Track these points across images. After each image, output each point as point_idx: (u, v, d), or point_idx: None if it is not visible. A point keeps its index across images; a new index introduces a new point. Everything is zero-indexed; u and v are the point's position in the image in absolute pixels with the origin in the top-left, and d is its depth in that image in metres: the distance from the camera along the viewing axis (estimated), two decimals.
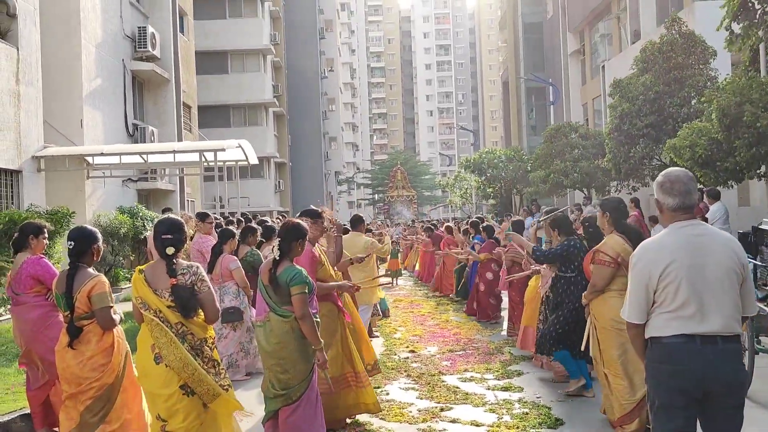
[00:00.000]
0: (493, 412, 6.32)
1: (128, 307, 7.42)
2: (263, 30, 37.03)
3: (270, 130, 38.53)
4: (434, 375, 7.82)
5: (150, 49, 20.22)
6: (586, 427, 5.89)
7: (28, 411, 5.94)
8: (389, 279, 17.65)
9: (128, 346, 4.83)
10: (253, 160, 18.73)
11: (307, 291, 4.84)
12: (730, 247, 3.41)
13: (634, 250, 5.24)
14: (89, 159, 16.58)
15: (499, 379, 7.58)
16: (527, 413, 6.20)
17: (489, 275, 11.78)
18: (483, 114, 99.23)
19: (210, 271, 7.68)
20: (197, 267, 4.42)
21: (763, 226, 9.42)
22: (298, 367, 4.90)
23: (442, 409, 6.44)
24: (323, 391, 5.26)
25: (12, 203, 13.45)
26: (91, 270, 4.71)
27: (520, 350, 8.96)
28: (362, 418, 6.17)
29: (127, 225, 16.01)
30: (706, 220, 11.31)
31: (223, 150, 16.76)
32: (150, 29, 20.41)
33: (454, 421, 6.08)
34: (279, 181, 40.46)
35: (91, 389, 4.52)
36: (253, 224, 10.40)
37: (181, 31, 24.12)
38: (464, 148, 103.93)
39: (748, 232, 9.61)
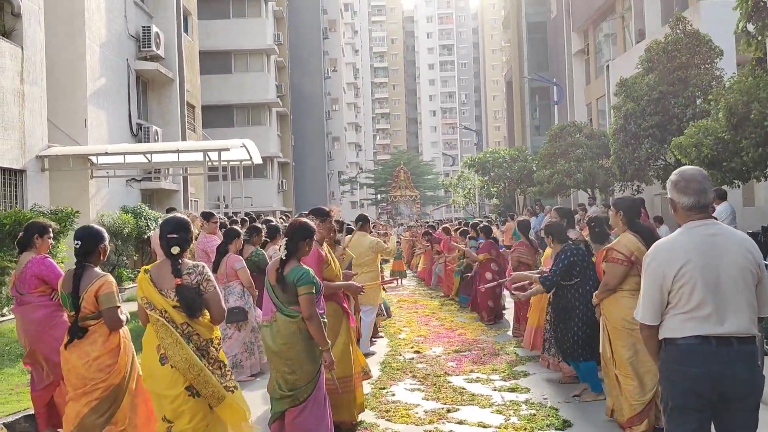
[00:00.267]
0: (500, 413, 6.27)
1: (131, 307, 7.41)
2: (267, 30, 37.00)
3: (273, 130, 38.51)
4: (440, 376, 7.78)
5: (154, 48, 20.20)
6: (594, 429, 5.84)
7: (32, 412, 5.92)
8: (394, 279, 17.62)
9: (133, 346, 4.79)
10: (257, 160, 18.69)
11: (314, 291, 4.79)
12: (745, 246, 3.35)
13: (647, 249, 5.24)
14: (93, 159, 16.55)
15: (505, 380, 7.53)
16: (535, 414, 6.15)
17: (488, 275, 11.70)
18: (486, 114, 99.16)
19: (215, 270, 7.64)
20: (203, 267, 4.37)
21: None
22: (305, 368, 4.85)
23: (448, 411, 6.39)
24: (330, 392, 5.21)
25: (16, 203, 13.42)
26: (98, 270, 4.67)
27: (526, 351, 8.93)
28: (369, 419, 6.14)
29: (130, 225, 15.98)
30: None
31: (227, 150, 16.73)
32: (154, 29, 20.39)
33: (461, 423, 6.03)
34: (282, 181, 40.44)
35: (97, 390, 4.48)
36: (258, 224, 10.37)
37: (185, 30, 24.10)
38: (467, 148, 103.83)
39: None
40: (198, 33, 27.73)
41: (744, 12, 12.50)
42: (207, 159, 17.09)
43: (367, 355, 8.63)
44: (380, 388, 7.28)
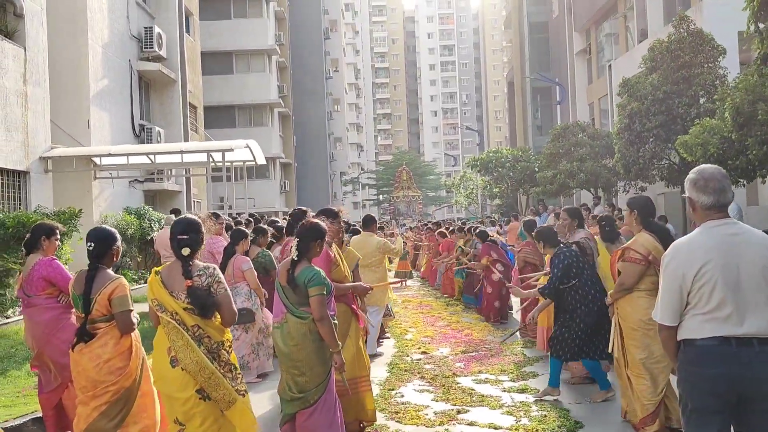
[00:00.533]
0: (511, 414, 6.23)
1: (137, 308, 7.36)
2: (268, 30, 36.98)
3: (275, 131, 38.48)
4: (448, 377, 7.73)
5: (156, 49, 20.17)
6: (606, 430, 5.79)
7: (40, 414, 5.87)
8: (401, 280, 17.58)
9: (143, 348, 4.75)
10: (261, 161, 18.67)
11: (325, 292, 4.75)
12: (765, 246, 3.29)
13: (664, 249, 5.19)
14: (96, 160, 16.52)
15: (514, 381, 7.49)
16: (546, 416, 6.10)
17: (494, 276, 11.72)
18: (487, 114, 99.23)
19: (222, 271, 7.58)
20: (213, 268, 4.32)
21: None
22: (316, 370, 4.81)
23: (458, 412, 6.35)
24: (340, 394, 5.17)
25: (19, 204, 13.40)
26: (110, 272, 4.63)
27: (534, 351, 8.89)
28: (379, 421, 6.09)
29: (134, 226, 15.96)
30: None
31: (231, 150, 16.70)
32: (156, 29, 20.36)
33: (471, 424, 5.99)
34: (284, 182, 40.41)
35: (107, 393, 4.43)
36: (263, 225, 10.33)
37: (187, 31, 24.07)
38: (468, 149, 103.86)
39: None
40: (199, 33, 27.70)
41: (752, 11, 12.47)
42: (211, 160, 17.06)
43: (374, 356, 8.61)
44: (389, 390, 7.24)
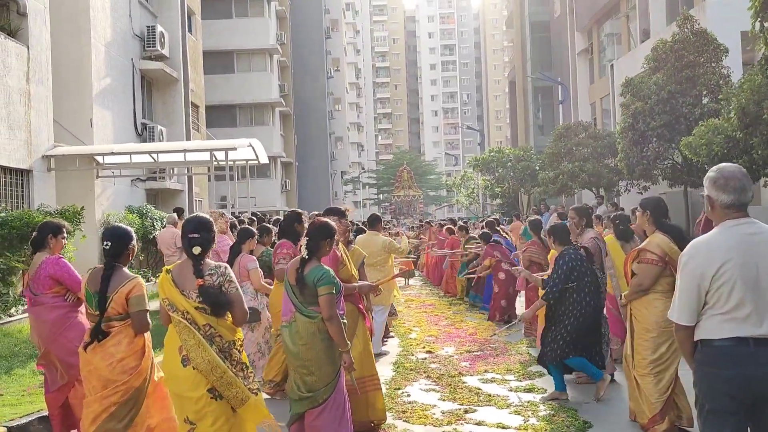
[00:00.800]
0: (519, 414, 6.21)
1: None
2: (269, 29, 36.94)
3: (276, 130, 38.44)
4: (454, 376, 7.72)
5: (159, 48, 20.13)
6: (614, 430, 5.77)
7: (45, 413, 5.84)
8: (405, 271, 17.56)
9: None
10: (264, 160, 18.62)
11: (334, 292, 4.73)
12: None
13: (679, 249, 5.17)
14: (99, 158, 16.49)
15: (520, 380, 7.47)
16: (554, 415, 6.08)
17: (501, 275, 11.74)
18: (487, 114, 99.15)
19: None
20: (225, 267, 4.28)
21: None
22: (324, 369, 4.78)
23: (466, 411, 6.33)
24: (349, 394, 5.14)
25: (22, 203, 13.36)
26: (127, 271, 4.61)
27: (538, 351, 8.86)
28: (387, 420, 6.06)
29: (136, 225, 15.92)
30: None
31: (234, 149, 16.66)
32: (159, 28, 20.32)
33: (479, 424, 5.97)
34: (285, 181, 40.37)
35: (117, 393, 4.39)
36: (267, 224, 10.30)
37: (189, 30, 24.01)
38: (469, 148, 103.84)
39: None
40: (201, 33, 27.67)
41: (755, 12, 12.44)
42: (213, 159, 17.03)
43: (379, 355, 8.58)
44: (395, 389, 7.23)
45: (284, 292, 5.01)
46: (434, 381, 7.55)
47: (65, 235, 5.86)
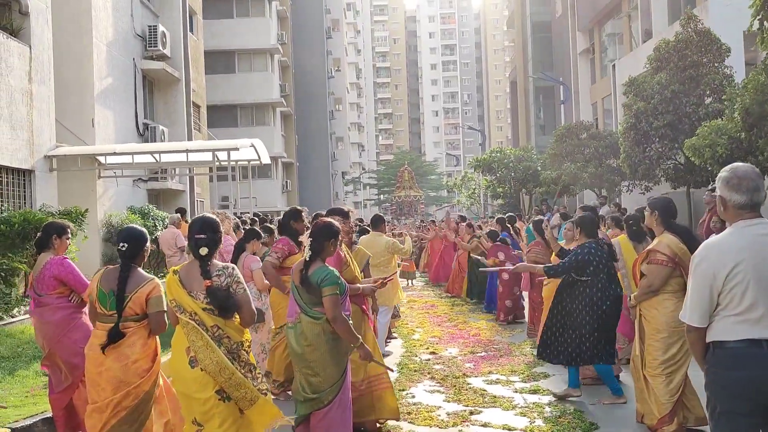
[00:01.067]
0: (524, 415, 6.19)
1: None
2: (270, 30, 36.92)
3: (277, 130, 38.41)
4: (458, 377, 7.70)
5: (161, 48, 20.11)
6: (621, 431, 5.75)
7: (49, 415, 5.82)
8: (406, 279, 17.54)
9: None
10: (266, 160, 18.60)
11: (339, 292, 4.70)
12: None
13: (689, 249, 5.14)
14: (101, 158, 16.47)
15: (525, 382, 7.45)
16: (560, 417, 6.06)
17: (505, 276, 11.69)
18: (488, 114, 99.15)
19: None
20: (232, 268, 4.26)
21: None
22: (329, 371, 4.76)
23: (471, 413, 6.31)
24: (358, 395, 5.11)
25: (24, 203, 13.34)
26: (143, 272, 4.60)
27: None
28: (392, 422, 6.04)
29: (138, 225, 15.89)
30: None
31: (236, 149, 16.64)
32: (160, 28, 20.30)
33: (485, 425, 5.95)
34: (286, 181, 40.36)
35: (129, 396, 4.37)
36: (270, 224, 10.28)
37: (191, 30, 24.01)
38: (470, 148, 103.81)
39: None
40: (203, 33, 27.65)
41: (756, 10, 12.42)
42: (215, 159, 17.01)
43: (382, 356, 8.55)
44: (400, 390, 7.20)
45: (290, 292, 4.99)
46: (438, 382, 7.53)
47: (69, 235, 5.84)
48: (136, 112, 19.46)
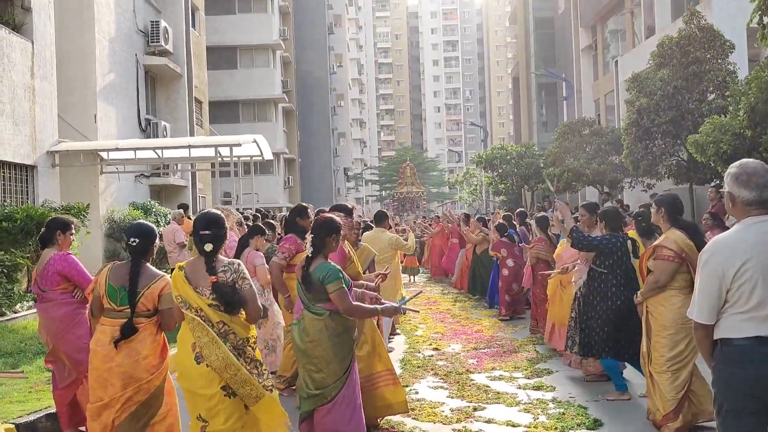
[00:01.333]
0: (528, 412, 6.18)
1: None
2: (272, 25, 36.86)
3: (279, 126, 38.38)
4: (462, 373, 7.69)
5: (163, 43, 20.09)
6: (626, 428, 5.73)
7: (53, 410, 5.82)
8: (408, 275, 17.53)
9: None
10: (268, 156, 18.60)
11: (344, 285, 4.68)
12: None
13: (696, 245, 5.13)
14: (103, 154, 16.47)
15: (529, 378, 7.44)
16: (564, 413, 6.04)
17: (505, 271, 11.70)
18: (490, 110, 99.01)
19: None
20: (238, 264, 4.25)
21: None
22: (332, 366, 4.75)
23: (474, 409, 6.30)
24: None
25: (27, 199, 13.34)
26: (153, 268, 4.60)
27: (546, 348, 8.85)
28: (395, 418, 6.03)
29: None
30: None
31: (239, 145, 16.63)
32: (163, 24, 20.28)
33: (489, 422, 5.94)
34: (288, 177, 40.33)
35: (140, 392, 4.36)
36: (271, 220, 10.28)
37: (193, 26, 23.98)
38: (472, 145, 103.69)
39: None
40: (205, 28, 27.61)
41: (758, 5, 12.38)
42: (218, 155, 17.00)
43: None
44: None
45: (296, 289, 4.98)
46: (442, 378, 7.53)
47: (73, 231, 5.83)
48: (138, 108, 19.45)
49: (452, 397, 6.74)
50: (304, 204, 7.62)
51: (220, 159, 17.33)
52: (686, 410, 5.37)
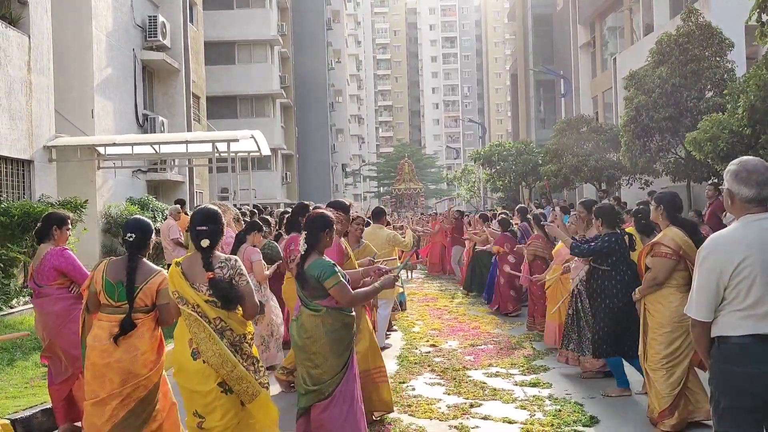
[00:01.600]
0: (524, 408, 6.18)
1: None
2: (270, 21, 36.77)
3: (277, 122, 38.31)
4: (458, 370, 7.69)
5: (160, 38, 20.02)
6: (622, 425, 5.74)
7: (49, 405, 5.81)
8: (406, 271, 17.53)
9: None
10: (266, 151, 18.56)
11: (342, 279, 4.65)
12: None
13: (694, 243, 5.13)
14: (101, 149, 16.42)
15: (525, 375, 7.45)
16: (560, 410, 6.05)
17: (506, 267, 11.68)
18: (488, 107, 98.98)
19: None
20: (235, 260, 4.23)
21: None
22: (330, 362, 4.73)
23: (471, 405, 6.30)
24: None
25: (23, 194, 13.31)
26: (150, 263, 4.58)
27: (543, 345, 8.86)
28: (391, 414, 6.03)
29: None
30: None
31: (236, 141, 16.60)
32: (160, 18, 20.21)
33: (485, 418, 5.94)
34: (286, 173, 40.26)
35: (139, 388, 4.35)
36: (268, 216, 10.27)
37: (191, 20, 23.91)
38: (470, 141, 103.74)
39: None
40: (203, 23, 27.54)
41: (757, 2, 12.38)
42: (215, 150, 16.97)
43: (382, 348, 8.54)
44: (400, 382, 7.20)
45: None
46: (439, 375, 7.53)
47: (70, 226, 5.82)
48: (135, 103, 19.40)
49: (449, 394, 6.74)
50: (305, 202, 7.60)
51: (217, 154, 17.29)
52: (682, 407, 5.38)
